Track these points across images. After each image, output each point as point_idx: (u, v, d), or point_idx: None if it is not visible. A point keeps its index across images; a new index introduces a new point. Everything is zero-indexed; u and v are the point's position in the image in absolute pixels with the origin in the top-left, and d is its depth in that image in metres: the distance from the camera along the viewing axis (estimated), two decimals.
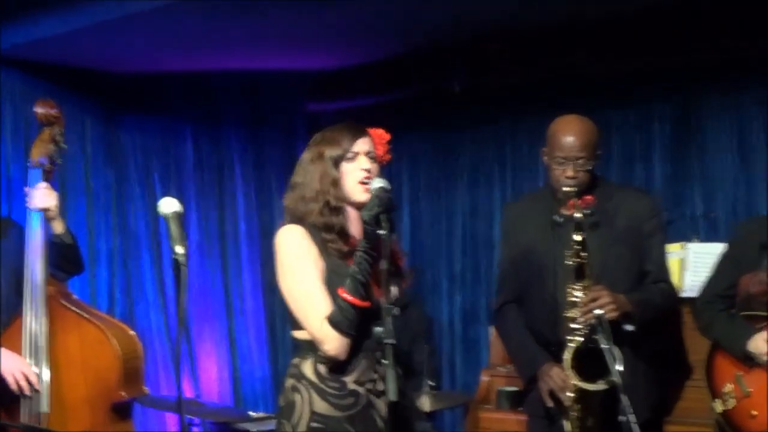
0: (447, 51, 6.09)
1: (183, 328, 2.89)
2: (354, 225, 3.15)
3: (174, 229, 2.80)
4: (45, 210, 4.05)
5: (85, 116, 5.92)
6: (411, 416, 3.27)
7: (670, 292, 3.95)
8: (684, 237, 5.09)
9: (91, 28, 5.11)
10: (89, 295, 5.78)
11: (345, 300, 2.98)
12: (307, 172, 3.14)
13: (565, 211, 3.76)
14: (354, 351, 3.06)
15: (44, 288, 3.96)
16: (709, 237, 5.15)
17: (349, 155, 3.12)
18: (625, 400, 3.15)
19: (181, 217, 2.87)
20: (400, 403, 3.00)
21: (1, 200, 5.31)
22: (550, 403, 3.72)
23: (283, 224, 3.16)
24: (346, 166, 3.12)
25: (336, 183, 3.10)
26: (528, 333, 3.89)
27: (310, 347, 3.09)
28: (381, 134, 3.27)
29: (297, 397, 3.08)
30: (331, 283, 3.05)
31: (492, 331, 5.31)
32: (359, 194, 3.09)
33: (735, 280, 3.89)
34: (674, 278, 4.65)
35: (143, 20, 5.04)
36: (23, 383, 3.85)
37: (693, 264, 4.93)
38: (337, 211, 3.10)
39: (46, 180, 4.13)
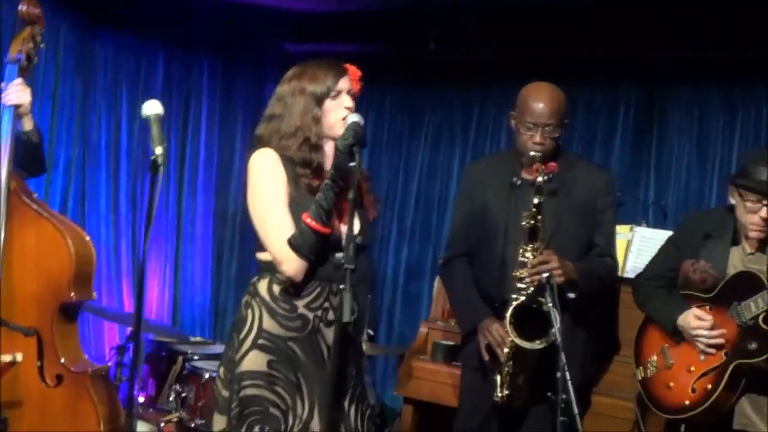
0: (427, 12, 6.19)
1: (149, 228, 2.92)
2: (329, 161, 3.23)
3: (155, 130, 2.88)
4: (18, 106, 4.06)
5: (61, 23, 5.92)
6: (357, 352, 3.36)
7: (614, 267, 4.09)
8: (633, 220, 5.24)
9: None
10: (42, 198, 5.78)
11: (307, 225, 3.07)
12: (287, 106, 3.21)
13: (525, 175, 3.87)
14: (310, 277, 3.15)
15: (7, 182, 3.97)
16: (657, 223, 5.31)
17: (333, 93, 3.20)
18: (562, 357, 3.29)
19: (161, 120, 2.93)
20: (350, 334, 3.11)
21: None
22: (486, 357, 3.85)
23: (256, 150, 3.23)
24: (329, 104, 3.20)
25: (317, 120, 3.19)
26: (473, 287, 4.00)
27: (269, 268, 3.18)
28: (356, 71, 3.33)
29: (249, 313, 3.18)
30: (293, 211, 3.14)
31: (436, 286, 5.42)
32: (341, 130, 3.17)
33: (677, 264, 4.03)
34: (619, 258, 4.83)
35: None
36: None
37: (638, 247, 5.08)
38: (317, 148, 3.18)
39: (22, 77, 4.13)
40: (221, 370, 3.24)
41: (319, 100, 3.19)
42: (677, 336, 3.90)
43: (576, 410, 3.32)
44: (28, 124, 4.11)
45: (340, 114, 3.19)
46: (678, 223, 4.61)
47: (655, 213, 5.48)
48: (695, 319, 3.82)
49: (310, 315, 3.19)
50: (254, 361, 3.15)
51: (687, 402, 3.78)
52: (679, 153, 5.46)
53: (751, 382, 3.72)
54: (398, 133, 6.74)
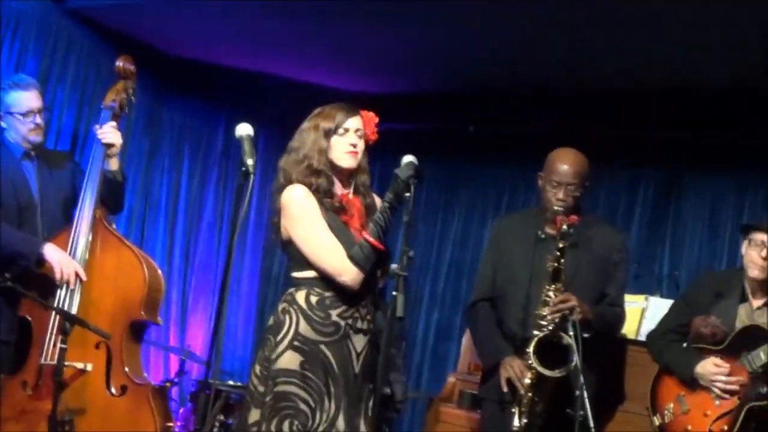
0: (470, 95, 6.76)
1: (235, 235, 3.43)
2: (337, 186, 3.71)
3: (246, 146, 3.42)
4: (110, 146, 4.62)
5: (136, 88, 6.51)
6: (386, 364, 3.73)
7: (621, 316, 4.51)
8: (648, 291, 5.66)
9: (160, 3, 5.78)
10: None
11: (367, 241, 3.56)
12: (302, 139, 3.71)
13: (549, 230, 4.33)
14: (356, 292, 3.62)
15: (93, 210, 4.51)
16: (669, 294, 5.71)
17: (340, 130, 3.68)
18: (581, 378, 3.75)
19: (252, 139, 3.46)
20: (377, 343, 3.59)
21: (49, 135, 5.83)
22: (506, 389, 4.23)
23: (279, 184, 3.71)
24: (336, 139, 3.67)
25: (322, 151, 3.66)
26: (496, 327, 4.42)
27: (306, 283, 3.63)
28: (371, 116, 3.80)
29: (286, 318, 3.61)
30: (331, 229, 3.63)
31: (464, 343, 5.83)
32: (345, 160, 3.67)
33: (688, 320, 4.49)
34: (634, 324, 5.28)
35: (207, 6, 5.65)
36: (66, 276, 4.35)
37: (651, 315, 5.46)
38: (318, 173, 3.65)
39: (115, 122, 4.71)
40: (257, 367, 3.63)
41: (327, 134, 3.66)
42: (693, 384, 4.32)
43: (592, 424, 3.73)
44: (114, 165, 4.68)
45: (344, 148, 3.65)
46: None
47: (668, 285, 5.91)
48: (714, 366, 4.25)
49: (342, 323, 3.62)
50: (289, 360, 3.55)
51: None
52: (692, 230, 5.96)
53: (760, 424, 4.14)
54: (434, 206, 7.26)
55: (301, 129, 3.75)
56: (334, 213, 3.65)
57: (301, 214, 3.62)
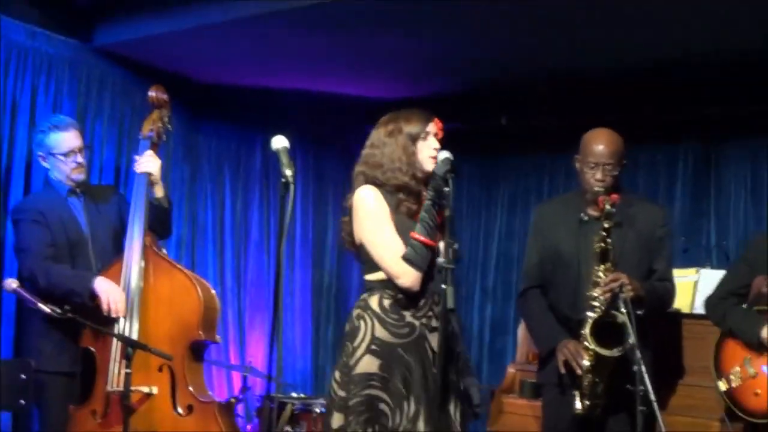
0: (497, 90, 6.81)
1: (282, 248, 3.51)
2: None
3: (283, 158, 3.50)
4: (148, 174, 4.73)
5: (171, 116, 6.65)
6: (460, 359, 3.78)
7: (671, 290, 4.50)
8: (698, 263, 5.65)
9: (184, 33, 5.87)
10: None
11: (416, 240, 3.62)
12: (385, 145, 3.77)
13: (591, 212, 4.36)
14: (421, 292, 3.67)
15: (143, 238, 4.62)
16: (720, 264, 5.74)
17: (423, 135, 3.77)
18: (637, 353, 3.79)
19: (288, 151, 3.55)
20: (453, 335, 3.62)
21: (93, 171, 5.97)
22: (563, 371, 4.25)
23: (357, 187, 3.78)
24: (421, 144, 3.76)
25: (415, 155, 3.75)
26: (549, 313, 4.45)
27: (378, 286, 3.70)
28: (439, 121, 3.88)
29: (362, 323, 3.67)
30: (400, 233, 3.68)
31: (520, 334, 5.87)
32: (430, 165, 3.74)
33: (748, 281, 4.46)
34: (687, 298, 5.28)
35: (228, 31, 5.77)
36: (113, 306, 4.46)
37: (703, 287, 5.44)
38: (419, 179, 3.74)
39: (153, 151, 4.82)
40: (337, 373, 3.71)
41: (414, 139, 3.75)
42: (761, 348, 4.29)
43: (653, 398, 3.74)
44: (159, 192, 4.80)
45: (429, 152, 3.74)
46: None
47: (717, 255, 5.91)
48: None
49: (417, 323, 3.67)
50: (367, 364, 3.61)
51: None
52: (735, 199, 5.96)
53: None
54: (477, 202, 7.32)
55: (375, 137, 3.81)
56: (406, 216, 3.71)
57: (370, 216, 3.70)
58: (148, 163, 4.75)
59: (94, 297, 4.51)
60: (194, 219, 6.90)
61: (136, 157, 4.81)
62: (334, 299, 7.62)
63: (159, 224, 4.85)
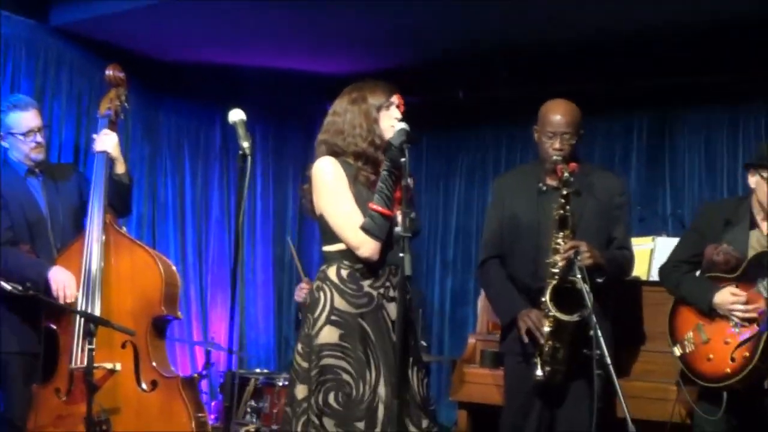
0: (454, 63, 6.84)
1: (241, 220, 3.51)
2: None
3: (240, 131, 3.50)
4: (104, 152, 4.72)
5: (129, 95, 6.61)
6: (414, 326, 3.87)
7: (630, 259, 4.57)
8: (654, 232, 5.73)
9: (141, 11, 5.86)
10: None
11: (374, 210, 3.64)
12: (347, 112, 3.78)
13: (550, 181, 4.41)
14: (378, 262, 3.70)
15: (103, 216, 4.61)
16: (675, 232, 5.80)
17: (386, 105, 3.79)
18: (593, 318, 3.85)
19: (245, 123, 3.56)
20: (410, 307, 3.67)
21: (52, 150, 5.96)
22: (526, 340, 4.31)
23: (319, 156, 3.80)
24: (384, 113, 3.77)
25: (377, 122, 3.76)
26: (509, 282, 4.49)
27: (336, 257, 3.73)
28: (400, 95, 3.89)
29: (321, 295, 3.71)
30: (358, 203, 3.70)
31: (479, 304, 5.91)
32: (390, 134, 3.74)
33: (699, 250, 4.50)
34: (644, 265, 5.34)
35: (187, 8, 5.74)
36: (61, 293, 4.47)
37: (660, 255, 5.51)
38: (378, 147, 3.75)
39: (111, 130, 4.80)
40: (299, 345, 3.74)
41: (378, 109, 3.77)
42: (712, 314, 4.35)
43: (609, 361, 3.79)
44: (120, 168, 4.79)
45: (390, 122, 3.76)
46: None
47: (673, 224, 5.99)
48: (731, 296, 4.29)
49: (374, 293, 3.71)
50: (328, 334, 3.65)
51: (728, 370, 4.21)
52: (690, 167, 6.04)
53: None
54: (435, 175, 7.36)
55: (338, 105, 3.82)
56: (365, 186, 3.74)
57: (328, 187, 3.71)
58: (105, 140, 4.74)
59: (48, 286, 4.51)
60: (155, 197, 6.90)
61: (94, 136, 4.79)
62: (296, 274, 7.61)
63: (120, 201, 4.83)
